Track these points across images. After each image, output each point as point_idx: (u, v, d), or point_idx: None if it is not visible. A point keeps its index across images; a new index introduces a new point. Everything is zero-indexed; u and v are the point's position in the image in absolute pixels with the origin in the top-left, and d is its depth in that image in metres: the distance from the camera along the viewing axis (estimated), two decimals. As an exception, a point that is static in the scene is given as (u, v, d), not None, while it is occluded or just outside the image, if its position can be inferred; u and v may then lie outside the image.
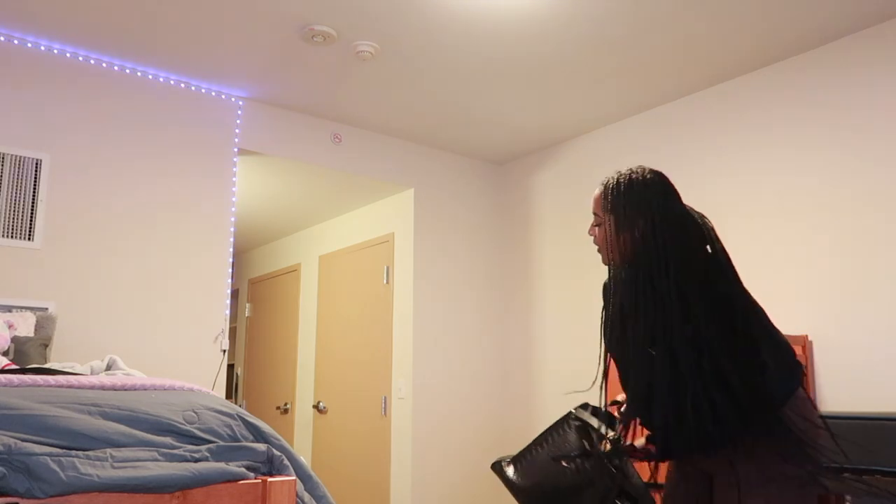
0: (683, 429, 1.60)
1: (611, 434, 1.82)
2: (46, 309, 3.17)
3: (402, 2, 3.04)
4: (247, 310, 6.58)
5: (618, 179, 1.80)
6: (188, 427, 1.38)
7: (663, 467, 2.33)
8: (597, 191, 1.84)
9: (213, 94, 3.87)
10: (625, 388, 1.80)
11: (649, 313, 1.66)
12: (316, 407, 5.27)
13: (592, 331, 4.22)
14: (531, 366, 4.57)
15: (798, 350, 3.19)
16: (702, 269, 1.69)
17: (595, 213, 1.84)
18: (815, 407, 1.65)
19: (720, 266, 1.71)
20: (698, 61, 3.52)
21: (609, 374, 1.94)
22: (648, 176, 1.78)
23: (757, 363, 1.62)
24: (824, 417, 1.65)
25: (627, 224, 1.75)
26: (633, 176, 1.79)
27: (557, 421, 1.92)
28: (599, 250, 1.84)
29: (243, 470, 1.39)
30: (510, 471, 1.89)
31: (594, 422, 1.87)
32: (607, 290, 1.80)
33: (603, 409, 1.89)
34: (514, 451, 4.57)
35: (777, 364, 1.63)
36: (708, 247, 1.73)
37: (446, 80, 3.74)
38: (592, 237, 1.86)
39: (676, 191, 1.79)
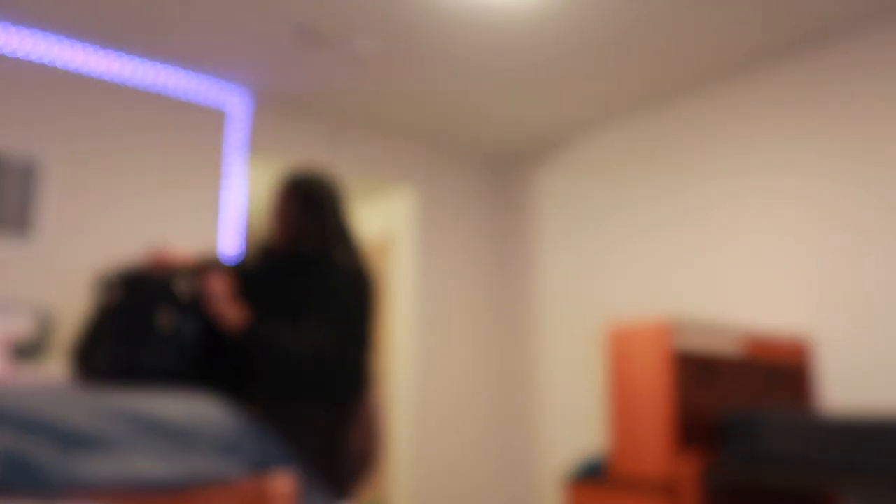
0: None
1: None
2: (46, 309, 3.17)
3: (403, 1, 3.03)
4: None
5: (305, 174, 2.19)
6: (187, 427, 1.38)
7: None
8: (282, 182, 2.20)
9: (212, 93, 3.87)
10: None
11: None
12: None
13: (596, 332, 4.21)
14: (533, 367, 4.57)
15: (798, 350, 3.19)
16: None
17: (280, 198, 2.16)
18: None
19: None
20: (703, 57, 3.52)
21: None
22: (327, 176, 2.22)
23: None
24: (819, 418, 1.66)
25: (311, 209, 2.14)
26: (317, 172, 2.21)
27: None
28: (281, 231, 2.16)
29: (241, 469, 1.39)
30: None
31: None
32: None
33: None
34: (517, 455, 4.57)
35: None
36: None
37: (447, 78, 3.74)
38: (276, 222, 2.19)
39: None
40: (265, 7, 3.08)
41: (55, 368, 3.02)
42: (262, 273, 2.07)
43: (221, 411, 1.51)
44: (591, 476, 2.87)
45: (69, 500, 1.17)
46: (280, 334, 1.88)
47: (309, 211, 2.11)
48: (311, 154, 4.19)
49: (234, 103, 3.94)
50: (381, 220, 4.93)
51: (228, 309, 1.88)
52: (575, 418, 4.22)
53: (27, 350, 2.76)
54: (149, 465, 1.26)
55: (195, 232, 3.71)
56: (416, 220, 4.59)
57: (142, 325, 1.81)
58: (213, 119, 3.86)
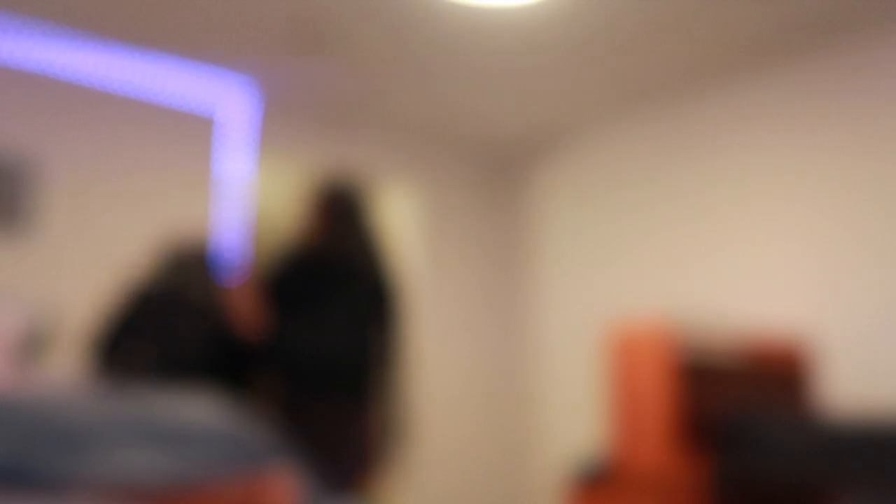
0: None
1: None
2: (46, 307, 3.16)
3: (403, 1, 3.03)
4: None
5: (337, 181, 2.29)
6: (185, 425, 1.38)
7: None
8: (318, 185, 2.27)
9: (211, 93, 3.87)
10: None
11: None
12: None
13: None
14: (534, 366, 4.56)
15: (800, 350, 3.18)
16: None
17: (315, 204, 2.23)
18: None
19: None
20: (704, 57, 3.52)
21: None
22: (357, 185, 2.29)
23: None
24: (820, 420, 1.65)
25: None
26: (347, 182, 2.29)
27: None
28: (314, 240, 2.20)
29: (239, 467, 1.38)
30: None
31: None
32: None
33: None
34: (518, 455, 4.56)
35: None
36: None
37: (447, 78, 3.74)
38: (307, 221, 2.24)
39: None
40: (266, 7, 3.08)
41: (57, 366, 3.02)
42: (290, 278, 2.13)
43: (221, 409, 1.50)
44: (592, 477, 2.86)
45: (69, 500, 1.17)
46: (299, 338, 1.94)
47: (343, 223, 2.20)
48: (310, 154, 4.19)
49: (236, 103, 3.94)
50: (382, 220, 4.93)
51: (248, 321, 1.94)
52: (576, 419, 4.22)
53: (29, 348, 2.76)
54: (146, 463, 1.26)
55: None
56: (417, 221, 4.59)
57: (171, 323, 1.87)
58: (210, 119, 3.86)
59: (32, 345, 2.78)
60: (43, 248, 3.28)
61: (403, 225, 4.68)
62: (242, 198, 5.18)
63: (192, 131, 3.79)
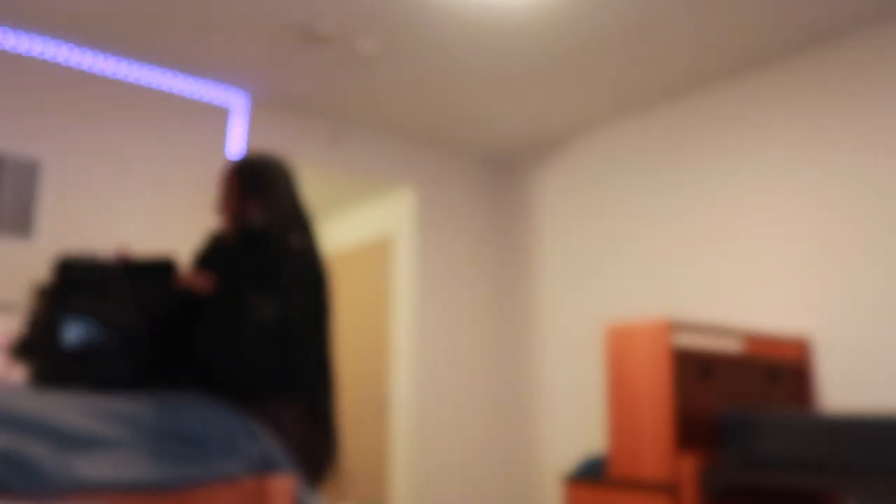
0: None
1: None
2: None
3: (403, 1, 3.04)
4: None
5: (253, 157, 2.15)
6: (184, 427, 1.38)
7: None
8: (227, 167, 2.14)
9: (212, 93, 3.87)
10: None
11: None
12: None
13: (600, 332, 4.21)
14: (533, 367, 4.56)
15: (797, 349, 3.19)
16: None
17: (224, 187, 2.11)
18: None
19: None
20: (702, 57, 3.52)
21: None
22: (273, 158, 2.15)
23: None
24: (818, 418, 1.65)
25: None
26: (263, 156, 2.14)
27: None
28: (227, 215, 2.10)
29: (240, 470, 1.39)
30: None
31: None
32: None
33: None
34: (518, 455, 4.56)
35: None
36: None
37: (447, 78, 3.74)
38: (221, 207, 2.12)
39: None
40: (265, 7, 3.08)
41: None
42: (212, 259, 2.02)
43: (218, 412, 1.50)
44: (592, 476, 2.87)
45: (68, 501, 1.17)
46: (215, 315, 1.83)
47: (254, 192, 2.05)
48: (310, 154, 4.19)
49: (235, 105, 3.94)
50: (381, 221, 4.93)
51: (195, 279, 1.87)
52: (575, 418, 4.22)
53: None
54: (145, 464, 1.26)
55: (194, 231, 3.71)
56: (416, 220, 4.59)
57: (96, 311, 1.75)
58: (212, 119, 3.86)
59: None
60: (44, 248, 3.28)
61: (402, 224, 4.69)
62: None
63: (191, 131, 3.79)
